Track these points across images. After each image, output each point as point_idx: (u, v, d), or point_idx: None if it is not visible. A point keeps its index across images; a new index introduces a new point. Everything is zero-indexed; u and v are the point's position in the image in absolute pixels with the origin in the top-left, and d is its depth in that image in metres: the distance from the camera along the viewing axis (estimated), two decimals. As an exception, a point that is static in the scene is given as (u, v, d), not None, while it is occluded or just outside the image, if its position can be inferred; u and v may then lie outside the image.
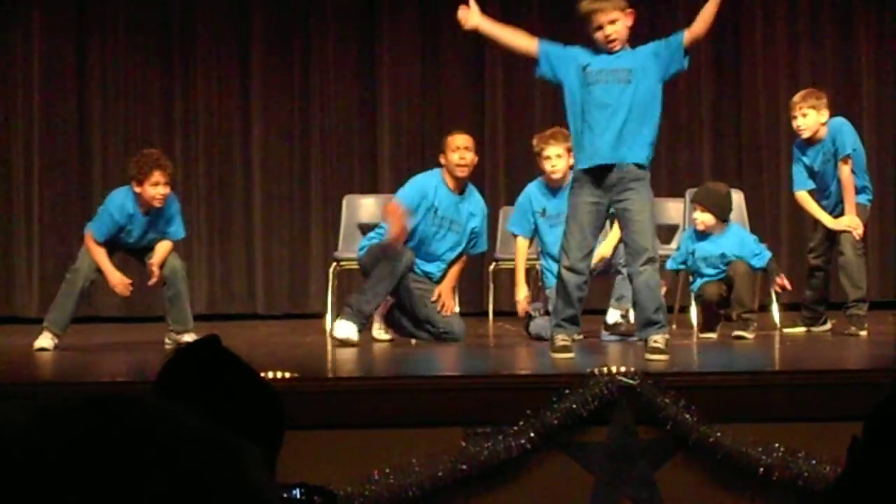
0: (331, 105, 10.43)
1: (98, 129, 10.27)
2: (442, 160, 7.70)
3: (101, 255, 7.35)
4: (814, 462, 5.11)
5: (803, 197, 7.98)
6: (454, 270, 7.76)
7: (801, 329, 7.99)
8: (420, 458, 5.10)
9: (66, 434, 0.87)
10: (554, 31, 10.37)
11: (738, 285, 7.46)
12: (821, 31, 10.59)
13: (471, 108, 10.50)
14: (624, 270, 7.59)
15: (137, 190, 7.35)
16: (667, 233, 9.00)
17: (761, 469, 5.14)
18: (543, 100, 10.42)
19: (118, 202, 7.42)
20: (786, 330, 7.91)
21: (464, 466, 5.11)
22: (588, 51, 6.39)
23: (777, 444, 5.15)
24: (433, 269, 7.71)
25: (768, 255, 7.77)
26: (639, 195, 6.17)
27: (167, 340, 7.32)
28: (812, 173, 7.94)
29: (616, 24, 6.33)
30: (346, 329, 7.18)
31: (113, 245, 7.45)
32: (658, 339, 6.14)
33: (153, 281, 7.40)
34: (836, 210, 7.85)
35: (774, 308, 8.24)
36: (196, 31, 10.35)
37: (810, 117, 7.82)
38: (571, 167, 6.96)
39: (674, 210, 9.13)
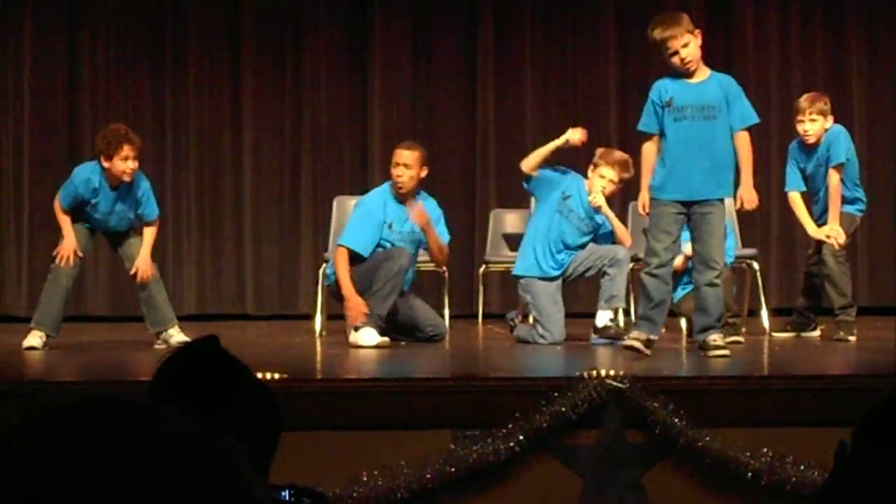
0: (322, 107, 10.42)
1: (88, 128, 10.25)
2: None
3: (64, 221, 7.32)
4: (802, 467, 5.12)
5: (795, 198, 7.97)
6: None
7: (791, 334, 7.99)
8: (409, 460, 5.11)
9: (56, 435, 0.86)
10: (547, 47, 10.40)
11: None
12: (812, 35, 10.60)
13: (462, 111, 10.50)
14: (611, 271, 7.61)
15: (106, 165, 7.28)
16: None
17: (749, 474, 5.15)
18: (534, 103, 10.43)
19: (83, 176, 7.38)
20: (775, 334, 7.91)
21: (452, 469, 5.11)
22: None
23: (765, 449, 5.16)
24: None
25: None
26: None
27: (158, 342, 7.29)
28: (804, 177, 7.93)
29: (689, 47, 6.52)
30: (369, 336, 7.21)
31: (86, 221, 7.39)
32: (716, 338, 6.44)
33: (144, 279, 7.35)
34: (824, 217, 7.86)
35: (764, 313, 8.25)
36: (187, 31, 10.34)
37: (818, 123, 7.81)
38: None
39: (664, 214, 9.12)
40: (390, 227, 7.65)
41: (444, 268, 8.17)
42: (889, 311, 9.60)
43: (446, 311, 8.19)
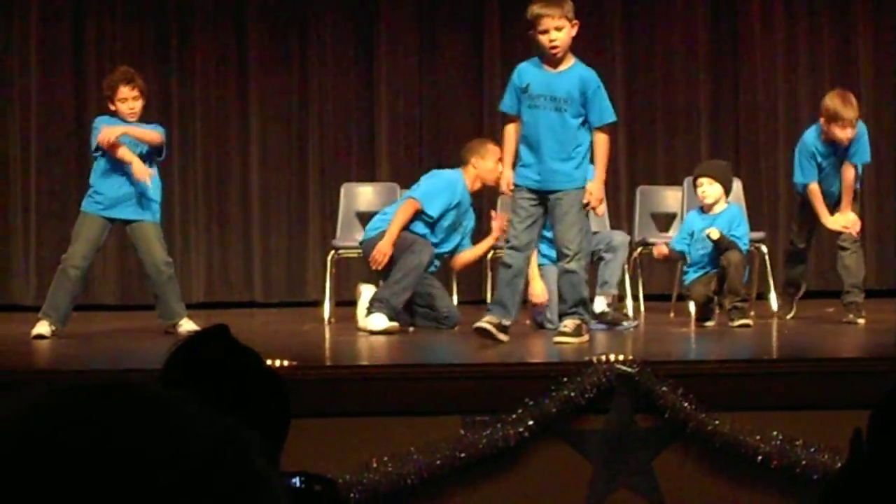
0: (329, 94, 10.41)
1: (95, 116, 10.24)
2: (473, 165, 7.78)
3: (122, 150, 7.32)
4: (812, 450, 5.12)
5: (814, 190, 7.83)
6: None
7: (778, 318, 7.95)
8: (418, 446, 5.11)
9: (70, 420, 0.86)
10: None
11: (730, 274, 7.43)
12: (819, 20, 10.58)
13: (469, 98, 10.49)
14: (606, 256, 7.62)
15: (112, 108, 7.47)
16: (665, 221, 9.00)
17: (759, 457, 5.15)
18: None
19: (99, 119, 7.52)
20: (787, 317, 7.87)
21: (462, 454, 5.12)
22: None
23: (775, 433, 5.16)
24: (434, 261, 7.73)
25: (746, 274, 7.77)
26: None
27: (168, 329, 7.30)
28: (819, 170, 7.89)
29: (561, 32, 6.44)
30: (379, 321, 7.22)
31: (101, 197, 7.37)
32: (567, 323, 6.41)
33: (143, 177, 7.33)
34: (835, 210, 7.83)
35: (772, 296, 8.25)
36: (193, 18, 10.33)
37: (856, 128, 7.72)
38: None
39: (672, 198, 9.13)
40: (458, 206, 7.70)
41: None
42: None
43: (455, 297, 8.19)
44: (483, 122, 10.43)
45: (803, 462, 5.12)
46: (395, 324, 7.25)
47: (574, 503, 5.18)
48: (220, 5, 10.37)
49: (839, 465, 4.96)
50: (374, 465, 5.07)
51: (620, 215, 9.97)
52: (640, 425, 5.22)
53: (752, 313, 7.84)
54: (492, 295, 8.78)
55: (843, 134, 7.66)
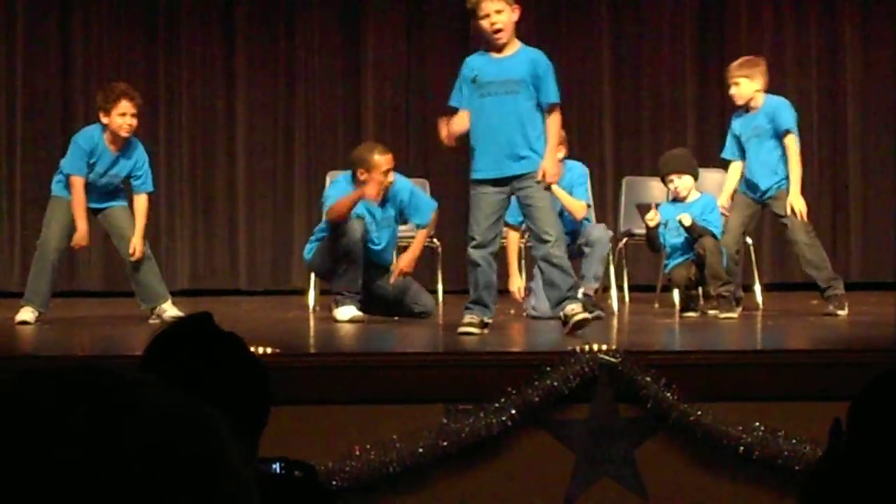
0: (315, 82, 10.40)
1: (81, 105, 10.22)
2: (360, 175, 7.44)
3: (77, 204, 7.26)
4: (794, 441, 5.14)
5: (735, 168, 7.85)
6: (415, 242, 7.70)
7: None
8: (401, 435, 5.11)
9: (33, 403, 0.86)
10: (541, 23, 10.37)
11: (708, 260, 7.44)
12: (805, 16, 10.58)
13: (455, 83, 10.47)
14: (587, 250, 7.61)
15: (105, 121, 7.31)
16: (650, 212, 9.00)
17: (741, 448, 5.16)
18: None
19: (87, 134, 7.41)
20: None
21: (445, 443, 5.12)
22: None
23: (757, 424, 5.17)
24: (380, 259, 7.66)
25: (725, 261, 7.74)
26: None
27: (152, 318, 7.29)
28: (738, 145, 7.83)
29: (502, 15, 6.36)
30: (347, 311, 7.22)
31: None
32: (573, 307, 6.27)
33: (136, 256, 7.33)
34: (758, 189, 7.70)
35: (757, 288, 8.26)
36: (180, 7, 10.31)
37: (743, 86, 7.75)
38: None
39: (657, 190, 9.12)
40: (360, 218, 7.52)
41: (437, 241, 8.17)
42: (881, 287, 9.64)
43: (440, 287, 8.19)
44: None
45: (785, 453, 5.13)
46: (360, 314, 7.23)
47: (556, 493, 5.19)
48: (207, -8, 10.35)
49: (820, 456, 4.97)
50: (357, 452, 5.07)
51: (606, 206, 9.99)
52: (622, 415, 5.23)
53: (740, 308, 7.85)
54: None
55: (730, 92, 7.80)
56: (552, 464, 5.20)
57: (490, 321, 6.43)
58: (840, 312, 7.48)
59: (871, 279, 10.17)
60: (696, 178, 7.88)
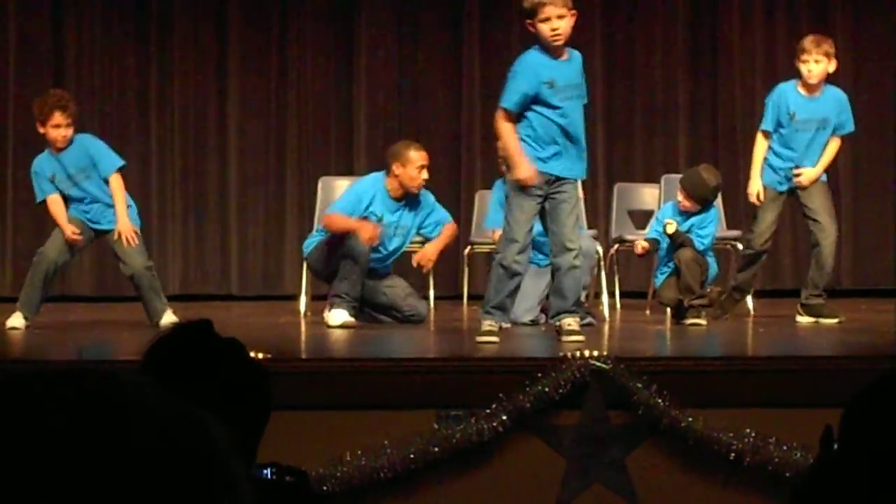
0: (307, 87, 10.40)
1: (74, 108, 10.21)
2: (396, 169, 7.61)
3: (59, 214, 7.25)
4: (784, 448, 5.14)
5: (764, 145, 7.63)
6: (441, 237, 7.76)
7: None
8: (392, 440, 5.11)
9: (26, 406, 0.86)
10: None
11: (684, 273, 7.43)
12: (797, 20, 10.60)
13: (448, 92, 10.49)
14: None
15: (41, 131, 7.28)
16: (642, 218, 9.01)
17: (732, 454, 5.16)
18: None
19: (38, 163, 7.38)
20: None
21: (436, 449, 5.12)
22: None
23: (748, 430, 5.17)
24: (379, 265, 7.69)
25: (715, 269, 7.72)
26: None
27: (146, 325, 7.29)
28: (788, 124, 7.56)
29: (564, 21, 6.31)
30: (339, 315, 7.23)
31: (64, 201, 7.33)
32: (570, 321, 6.26)
33: (131, 242, 7.28)
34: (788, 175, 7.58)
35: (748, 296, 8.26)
36: (173, 10, 10.31)
37: (822, 65, 7.49)
38: None
39: (649, 196, 9.14)
40: (379, 220, 7.59)
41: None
42: (872, 294, 9.66)
43: (431, 292, 8.19)
44: (461, 115, 10.44)
45: (776, 460, 5.14)
46: (352, 319, 7.25)
47: (547, 499, 5.19)
48: (199, -3, 10.35)
49: (811, 462, 4.98)
50: (348, 458, 5.07)
51: (598, 212, 9.99)
52: (613, 422, 5.23)
53: (726, 316, 7.85)
54: (469, 289, 8.82)
55: (804, 67, 7.52)
56: (543, 470, 5.20)
57: (508, 326, 6.47)
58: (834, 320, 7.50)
59: (862, 286, 10.19)
60: (701, 204, 7.77)
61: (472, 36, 10.42)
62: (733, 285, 7.79)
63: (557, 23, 6.26)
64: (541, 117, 6.30)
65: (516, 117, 6.32)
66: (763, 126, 7.69)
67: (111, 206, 7.34)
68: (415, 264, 7.67)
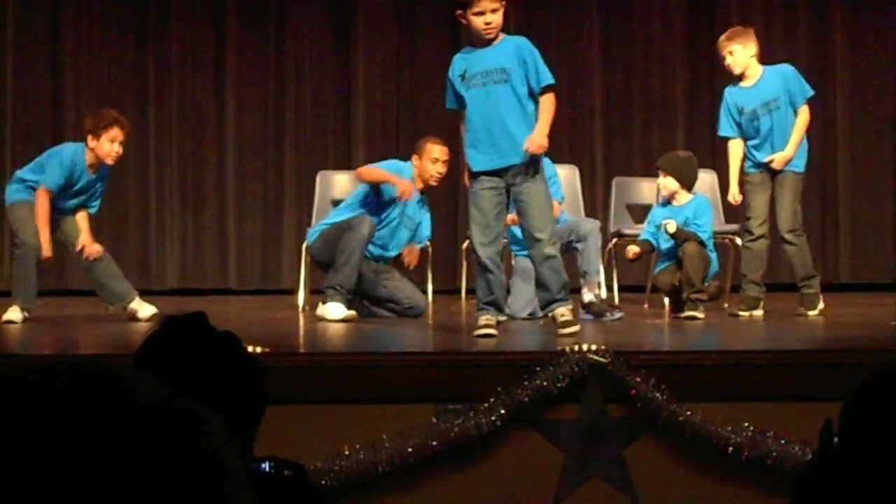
0: (305, 80, 10.40)
1: (71, 103, 10.22)
2: (415, 161, 7.70)
3: (43, 217, 7.24)
4: (783, 442, 5.14)
5: (734, 147, 7.63)
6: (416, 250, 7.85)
7: (749, 313, 7.59)
8: (390, 434, 5.11)
9: (24, 399, 0.86)
10: (531, 21, 10.37)
11: (686, 266, 7.44)
12: (795, 14, 10.60)
13: (445, 85, 10.46)
14: (579, 246, 7.63)
15: (92, 144, 7.28)
16: (641, 212, 9.01)
17: (730, 448, 5.16)
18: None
19: (69, 153, 7.37)
20: (741, 313, 7.60)
21: (434, 443, 5.12)
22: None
23: (746, 424, 5.17)
24: (382, 258, 7.71)
25: (716, 266, 7.71)
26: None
27: (130, 319, 7.31)
28: (741, 120, 7.58)
29: (497, 14, 6.27)
30: (336, 309, 7.24)
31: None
32: (563, 311, 6.24)
33: (92, 254, 7.32)
34: (760, 163, 7.57)
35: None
36: (170, 5, 10.30)
37: (737, 54, 7.54)
38: None
39: (647, 190, 9.14)
40: (404, 206, 7.66)
41: (428, 242, 8.19)
42: (870, 288, 9.66)
43: (430, 287, 8.19)
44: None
45: (774, 453, 5.14)
46: (352, 313, 7.26)
47: (545, 492, 5.19)
48: (197, -9, 10.34)
49: (809, 456, 4.98)
50: (346, 452, 5.07)
51: (596, 206, 9.99)
52: (611, 415, 5.23)
53: (726, 305, 7.86)
54: (467, 283, 8.82)
55: (725, 63, 7.59)
56: (541, 464, 5.20)
57: (504, 319, 6.46)
58: (811, 313, 7.48)
59: (859, 280, 10.19)
60: (684, 184, 7.77)
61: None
62: (747, 281, 7.72)
63: (491, 16, 6.25)
64: (468, 112, 6.34)
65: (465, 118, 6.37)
66: (720, 132, 7.76)
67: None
68: (404, 261, 7.70)
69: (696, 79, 10.59)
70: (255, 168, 10.40)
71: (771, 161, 7.49)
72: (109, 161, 7.29)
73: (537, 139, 6.21)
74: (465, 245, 8.74)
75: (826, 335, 6.93)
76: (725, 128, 7.69)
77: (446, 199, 10.16)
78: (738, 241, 8.35)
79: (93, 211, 7.53)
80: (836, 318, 7.53)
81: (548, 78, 6.34)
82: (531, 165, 6.24)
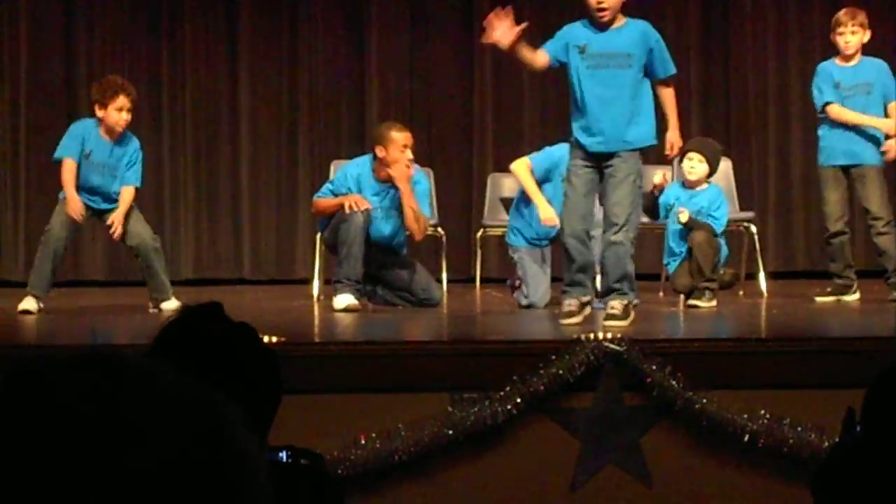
0: (319, 70, 10.39)
1: (85, 94, 10.20)
2: (379, 152, 7.55)
3: (69, 180, 7.24)
4: (799, 429, 5.13)
5: (837, 109, 7.62)
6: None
7: (832, 298, 7.64)
8: (406, 423, 5.11)
9: (43, 391, 0.86)
10: (545, 17, 10.35)
11: (695, 254, 7.42)
12: (809, 9, 10.55)
13: (459, 75, 10.47)
14: (594, 233, 7.59)
15: (100, 114, 7.28)
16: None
17: (746, 436, 5.15)
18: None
19: (80, 124, 7.43)
20: (818, 299, 7.66)
21: (450, 432, 5.12)
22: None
23: (762, 411, 5.16)
24: (388, 250, 7.65)
25: (726, 251, 7.69)
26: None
27: (150, 306, 7.31)
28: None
29: None
30: (344, 299, 7.22)
31: (78, 182, 7.33)
32: (613, 304, 6.19)
33: (117, 233, 7.31)
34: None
35: (761, 276, 8.26)
36: (184, -6, 10.30)
37: (858, 36, 7.65)
38: None
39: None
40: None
41: (441, 230, 8.14)
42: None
43: (444, 276, 8.19)
44: (474, 99, 10.42)
45: (790, 441, 5.13)
46: (356, 303, 7.23)
47: (561, 480, 5.19)
48: (210, -19, 10.34)
49: (826, 444, 4.97)
50: (362, 441, 5.07)
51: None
52: (627, 403, 5.23)
53: (742, 292, 7.84)
54: (481, 272, 8.83)
55: (841, 39, 7.67)
56: (557, 452, 5.20)
57: (587, 300, 6.31)
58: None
59: (878, 267, 10.15)
60: (712, 172, 7.78)
61: (484, 17, 10.37)
62: (838, 275, 7.72)
63: None
64: (580, 89, 6.26)
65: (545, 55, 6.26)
66: (826, 98, 7.67)
67: (115, 204, 7.36)
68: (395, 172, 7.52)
69: (709, 68, 10.56)
70: (268, 158, 10.40)
71: (887, 150, 7.51)
72: (118, 129, 7.29)
73: (677, 140, 6.37)
74: (479, 234, 8.75)
75: (841, 322, 6.91)
76: (829, 94, 7.66)
77: (460, 188, 10.16)
78: (753, 228, 8.34)
79: (132, 181, 7.39)
80: (853, 304, 7.50)
81: (673, 68, 6.38)
82: (631, 154, 6.22)
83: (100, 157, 7.33)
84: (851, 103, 7.59)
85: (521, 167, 7.66)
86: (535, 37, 6.51)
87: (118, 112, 7.25)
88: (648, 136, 6.31)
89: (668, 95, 6.39)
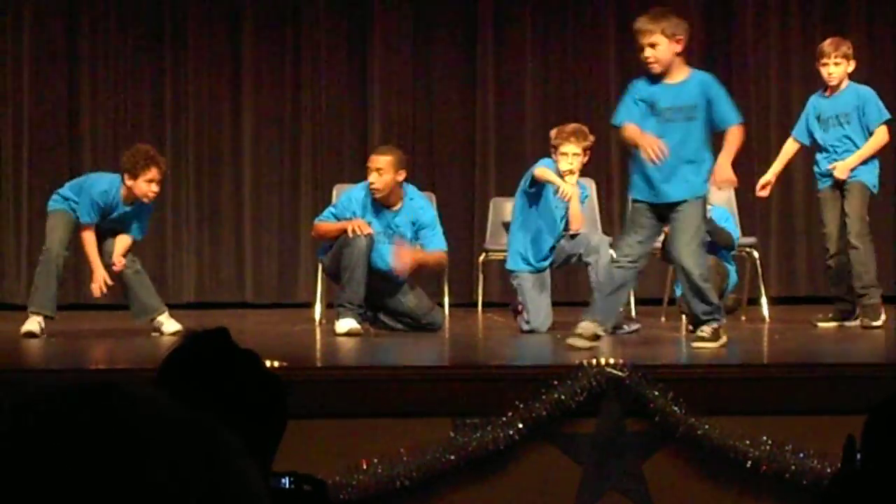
0: (322, 93, 10.41)
1: (88, 115, 10.24)
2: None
3: (90, 246, 7.31)
4: (801, 455, 5.13)
5: (789, 145, 7.86)
6: (431, 255, 7.71)
7: (834, 324, 7.64)
8: (408, 448, 5.11)
9: (42, 421, 0.86)
10: (547, 33, 10.38)
11: None
12: (812, 22, 10.57)
13: (462, 99, 10.49)
14: (590, 259, 7.61)
15: (129, 183, 7.26)
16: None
17: (749, 462, 5.15)
18: (535, 91, 10.41)
19: (102, 188, 7.37)
20: (820, 324, 7.67)
21: (452, 457, 5.12)
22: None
23: (765, 438, 5.16)
24: (391, 275, 7.65)
25: (735, 278, 7.69)
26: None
27: (154, 332, 7.32)
28: (816, 126, 7.70)
29: (657, 49, 6.39)
30: (346, 323, 7.23)
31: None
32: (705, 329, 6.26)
33: (118, 268, 7.35)
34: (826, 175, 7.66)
35: (763, 301, 8.25)
36: (187, 16, 10.32)
37: (842, 67, 7.65)
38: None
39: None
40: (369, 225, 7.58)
41: (444, 265, 8.17)
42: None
43: (446, 300, 8.18)
44: (476, 123, 10.43)
45: (793, 467, 5.12)
46: (358, 327, 7.23)
47: (563, 506, 5.18)
48: (214, 3, 10.36)
49: (829, 470, 4.96)
50: (364, 466, 5.07)
51: (613, 221, 9.95)
52: (629, 429, 5.22)
53: (744, 318, 7.84)
54: (483, 297, 8.82)
55: (824, 70, 7.67)
56: (559, 478, 5.19)
57: (602, 334, 6.30)
58: (874, 323, 7.44)
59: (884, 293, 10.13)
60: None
61: (486, 44, 10.41)
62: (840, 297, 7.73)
63: (649, 51, 6.41)
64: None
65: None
66: (792, 132, 7.93)
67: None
68: (393, 262, 7.57)
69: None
70: (271, 181, 10.41)
71: (833, 168, 7.52)
72: (147, 200, 7.32)
73: (724, 171, 6.40)
74: (481, 258, 8.75)
75: (843, 348, 6.90)
76: (800, 131, 7.83)
77: (462, 212, 10.16)
78: (755, 253, 8.35)
79: (136, 236, 7.49)
80: (854, 330, 7.49)
81: (734, 119, 6.48)
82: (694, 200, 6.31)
83: (117, 215, 7.39)
84: (831, 134, 7.65)
85: (541, 168, 7.74)
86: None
87: (148, 184, 7.25)
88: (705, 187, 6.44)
89: (731, 133, 6.49)
